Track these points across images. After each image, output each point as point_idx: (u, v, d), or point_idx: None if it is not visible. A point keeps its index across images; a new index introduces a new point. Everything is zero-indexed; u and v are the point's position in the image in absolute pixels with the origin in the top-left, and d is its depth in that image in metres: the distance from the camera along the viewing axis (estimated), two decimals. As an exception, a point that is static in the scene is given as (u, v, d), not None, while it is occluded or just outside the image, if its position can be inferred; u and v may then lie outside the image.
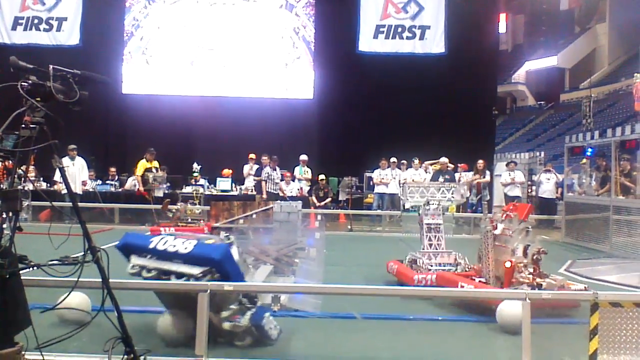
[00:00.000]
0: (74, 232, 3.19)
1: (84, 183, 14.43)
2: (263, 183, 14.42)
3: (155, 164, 14.29)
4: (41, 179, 14.43)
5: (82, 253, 3.23)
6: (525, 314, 3.80)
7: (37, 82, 3.05)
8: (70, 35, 18.36)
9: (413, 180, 15.11)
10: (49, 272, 3.21)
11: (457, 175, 14.98)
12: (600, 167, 12.65)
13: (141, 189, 14.07)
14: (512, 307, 4.50)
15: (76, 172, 14.20)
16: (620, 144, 11.10)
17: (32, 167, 13.15)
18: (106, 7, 18.36)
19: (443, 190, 7.57)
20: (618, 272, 8.36)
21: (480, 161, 14.49)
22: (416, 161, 15.33)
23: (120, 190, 15.00)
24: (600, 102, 38.48)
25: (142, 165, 14.06)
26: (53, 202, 3.64)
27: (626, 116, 32.39)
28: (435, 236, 7.34)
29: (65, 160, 14.06)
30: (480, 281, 6.04)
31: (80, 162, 14.39)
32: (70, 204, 3.40)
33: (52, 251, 3.18)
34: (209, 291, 3.89)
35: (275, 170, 14.52)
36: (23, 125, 2.99)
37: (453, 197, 7.58)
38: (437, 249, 7.27)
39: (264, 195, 14.12)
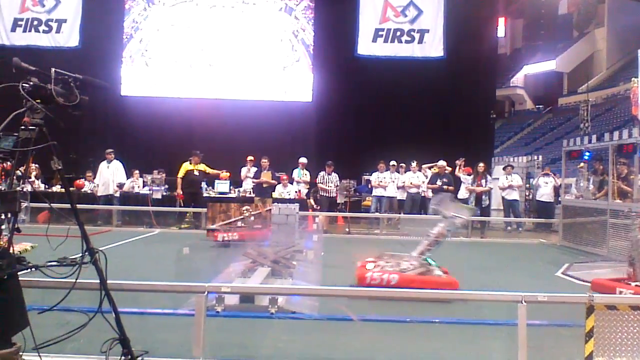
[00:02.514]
0: (72, 234, 3.20)
1: (119, 185, 14.51)
2: (321, 186, 15.19)
3: (202, 166, 14.16)
4: (39, 180, 14.51)
5: (80, 254, 3.24)
6: (521, 316, 3.81)
7: (38, 84, 3.06)
8: (69, 37, 18.40)
9: (411, 183, 15.16)
10: (47, 274, 3.21)
11: (459, 176, 14.99)
12: (597, 170, 12.68)
13: (179, 191, 14.04)
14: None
15: (110, 174, 14.39)
16: (617, 148, 11.11)
17: (35, 166, 13.34)
18: (106, 9, 18.38)
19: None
20: (615, 276, 8.36)
21: (481, 164, 14.50)
22: (414, 164, 15.35)
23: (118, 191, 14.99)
24: (598, 107, 38.60)
25: (184, 167, 13.99)
26: (52, 204, 3.64)
27: (623, 120, 32.45)
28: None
29: (103, 164, 14.47)
30: (636, 285, 6.11)
31: (115, 164, 14.58)
32: (68, 205, 3.41)
33: (50, 252, 3.19)
34: (206, 293, 3.90)
35: (331, 175, 15.18)
36: (22, 127, 3.00)
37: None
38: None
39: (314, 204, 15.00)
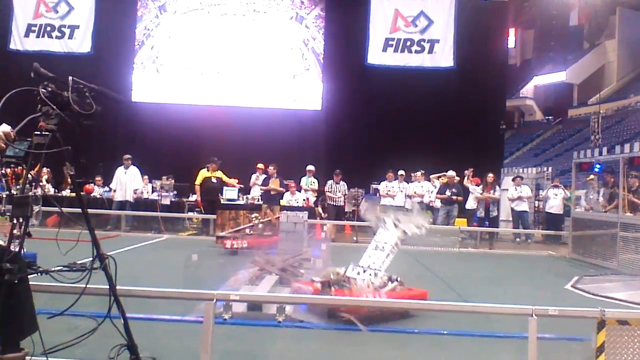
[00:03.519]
0: (82, 238, 3.21)
1: (135, 192, 14.52)
2: (329, 194, 15.18)
3: (219, 173, 14.08)
4: (50, 184, 14.59)
5: (90, 259, 3.25)
6: (531, 329, 3.77)
7: (55, 90, 3.09)
8: (82, 43, 18.57)
9: (415, 192, 15.13)
10: (56, 278, 3.23)
11: (467, 186, 14.95)
12: (608, 183, 12.60)
13: (198, 198, 14.03)
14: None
15: (127, 180, 14.40)
16: (628, 161, 11.04)
17: (47, 169, 13.40)
18: (118, 16, 18.54)
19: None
20: (625, 290, 8.28)
21: (491, 175, 14.46)
22: (419, 174, 15.33)
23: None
24: (609, 118, 38.40)
25: (202, 174, 13.93)
26: (62, 208, 3.66)
27: (634, 133, 32.29)
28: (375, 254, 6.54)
29: (120, 169, 14.45)
30: None
31: (132, 170, 14.53)
32: (79, 210, 3.42)
33: (60, 257, 3.20)
34: (214, 300, 3.89)
35: (339, 184, 15.17)
36: (37, 132, 3.02)
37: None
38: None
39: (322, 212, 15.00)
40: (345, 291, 5.86)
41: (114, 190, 14.53)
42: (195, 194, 14.31)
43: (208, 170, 13.92)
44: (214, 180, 13.95)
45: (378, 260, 6.28)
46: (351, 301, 5.17)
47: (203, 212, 13.96)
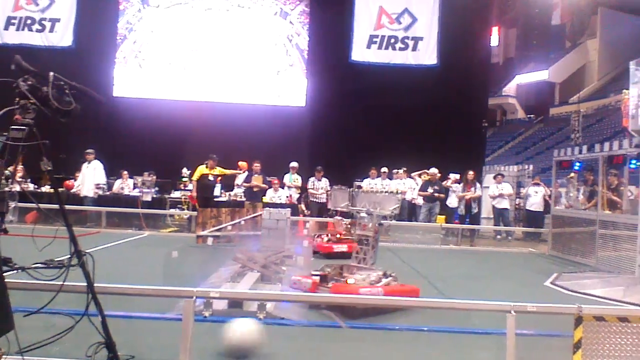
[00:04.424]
0: (60, 235, 3.17)
1: (97, 186, 14.31)
2: (312, 191, 15.07)
3: (217, 170, 13.84)
4: (29, 180, 14.39)
5: (68, 256, 3.21)
6: (510, 326, 3.81)
7: (35, 85, 3.04)
8: (63, 37, 18.30)
9: (397, 190, 15.20)
10: (33, 275, 3.18)
11: (448, 186, 15.04)
12: (587, 181, 12.76)
13: (193, 194, 13.87)
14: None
15: (87, 174, 14.17)
16: (607, 159, 11.18)
17: (22, 166, 13.20)
18: (100, 9, 18.30)
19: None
20: (603, 286, 8.41)
21: (471, 172, 14.57)
22: (401, 171, 15.38)
23: (108, 193, 14.91)
24: (589, 117, 38.90)
25: (199, 171, 13.68)
26: (39, 204, 3.61)
27: (614, 132, 32.72)
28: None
29: (84, 165, 14.31)
30: None
31: (94, 165, 14.34)
32: (57, 206, 3.38)
33: (37, 254, 3.16)
34: (194, 298, 3.88)
35: (321, 180, 15.12)
36: (13, 126, 2.98)
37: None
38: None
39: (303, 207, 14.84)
40: (341, 286, 5.97)
41: (79, 186, 14.39)
42: (177, 190, 14.20)
43: (206, 167, 13.71)
44: (210, 177, 13.77)
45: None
46: (332, 298, 5.18)
47: (197, 208, 13.89)
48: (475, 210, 14.51)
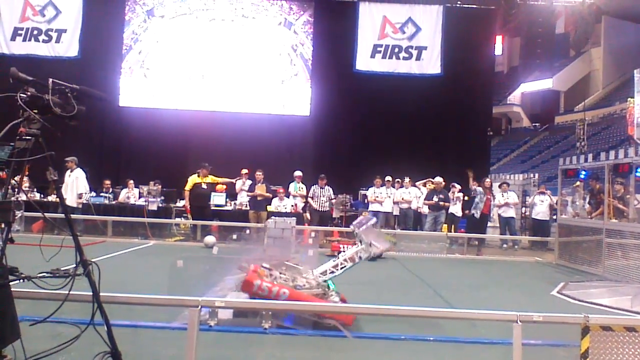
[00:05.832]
0: (66, 244, 3.18)
1: (79, 196, 14.14)
2: (310, 200, 14.82)
3: (210, 179, 13.78)
4: (35, 189, 14.43)
5: (74, 266, 3.22)
6: (516, 335, 3.79)
7: (35, 94, 3.06)
8: (69, 47, 18.47)
9: (403, 198, 15.17)
10: (39, 285, 3.19)
11: (450, 194, 14.99)
12: (593, 189, 12.71)
13: (187, 204, 13.83)
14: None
15: (70, 183, 13.94)
16: (613, 168, 11.15)
17: (26, 177, 13.22)
18: (106, 20, 18.48)
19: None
20: (610, 295, 8.34)
21: (487, 180, 14.52)
22: (406, 180, 15.35)
23: (114, 202, 14.94)
24: (594, 126, 38.84)
25: (192, 180, 13.64)
26: (45, 214, 3.63)
27: (619, 140, 32.64)
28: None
29: (66, 173, 13.90)
30: None
31: (75, 174, 13.90)
32: (63, 215, 3.39)
33: (43, 263, 3.17)
34: (199, 307, 3.87)
35: (324, 188, 14.89)
36: (18, 137, 2.99)
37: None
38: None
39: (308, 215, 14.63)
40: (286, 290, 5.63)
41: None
42: (183, 199, 14.19)
43: (199, 176, 13.67)
44: (204, 186, 13.70)
45: (324, 267, 6.31)
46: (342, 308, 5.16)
47: (191, 218, 13.84)
48: (478, 215, 14.35)
